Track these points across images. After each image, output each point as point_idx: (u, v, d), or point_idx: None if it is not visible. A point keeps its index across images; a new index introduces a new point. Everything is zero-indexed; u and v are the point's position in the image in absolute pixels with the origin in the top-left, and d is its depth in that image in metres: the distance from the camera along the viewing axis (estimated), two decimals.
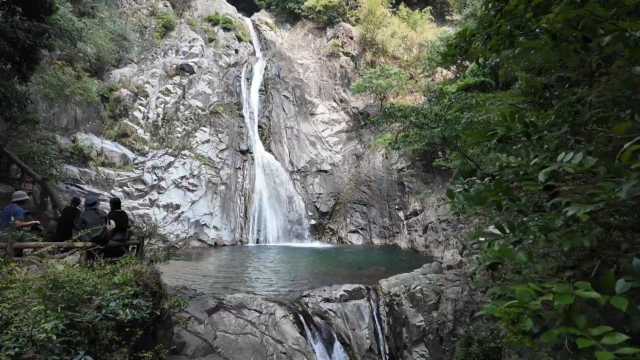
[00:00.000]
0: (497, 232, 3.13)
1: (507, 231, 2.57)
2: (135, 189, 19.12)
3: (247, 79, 26.43)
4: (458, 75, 22.01)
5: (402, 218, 21.06)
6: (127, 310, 4.59)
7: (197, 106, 23.03)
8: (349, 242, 22.09)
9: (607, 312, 1.72)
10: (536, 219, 2.53)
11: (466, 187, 3.35)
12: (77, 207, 9.34)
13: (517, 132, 2.93)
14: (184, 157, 21.09)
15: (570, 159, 2.19)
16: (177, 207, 19.58)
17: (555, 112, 3.13)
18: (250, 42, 30.22)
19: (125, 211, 8.39)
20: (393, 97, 25.28)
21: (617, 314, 1.67)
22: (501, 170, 2.70)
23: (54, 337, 3.58)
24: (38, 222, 8.25)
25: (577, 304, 1.63)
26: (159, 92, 22.89)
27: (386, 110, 12.04)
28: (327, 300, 10.35)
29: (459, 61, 21.08)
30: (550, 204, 2.65)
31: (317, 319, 9.94)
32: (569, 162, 2.19)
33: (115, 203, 8.26)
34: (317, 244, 21.59)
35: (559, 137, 2.91)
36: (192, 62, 24.57)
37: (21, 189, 12.22)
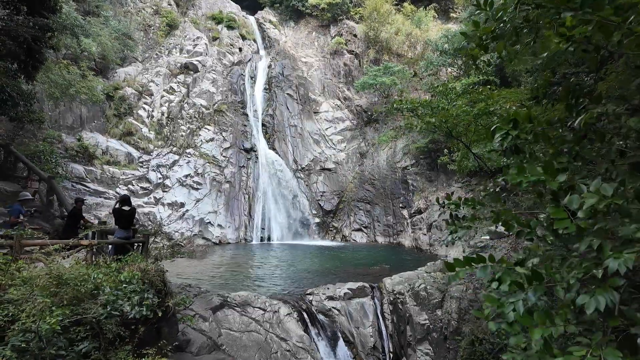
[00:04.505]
0: (501, 229, 2.99)
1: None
2: (140, 187, 19.22)
3: (251, 78, 26.44)
4: (461, 72, 21.87)
5: (406, 216, 21.00)
6: (135, 307, 4.61)
7: (201, 105, 23.09)
8: (353, 240, 22.08)
9: None
10: (572, 265, 2.18)
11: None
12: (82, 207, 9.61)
13: (526, 131, 2.69)
14: (189, 156, 21.17)
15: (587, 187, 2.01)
16: (182, 205, 19.67)
17: (565, 107, 2.96)
18: (254, 40, 30.23)
19: (132, 208, 8.35)
20: (397, 95, 25.18)
21: None
22: (518, 184, 2.42)
23: (58, 328, 3.60)
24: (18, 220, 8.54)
25: None
26: (164, 90, 22.97)
27: (394, 102, 12.12)
28: (331, 298, 10.35)
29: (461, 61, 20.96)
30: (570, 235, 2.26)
31: (321, 317, 9.95)
32: (589, 192, 2.01)
33: (122, 200, 8.22)
34: (320, 242, 21.60)
35: (573, 140, 2.70)
36: (196, 60, 24.62)
37: (27, 187, 12.36)
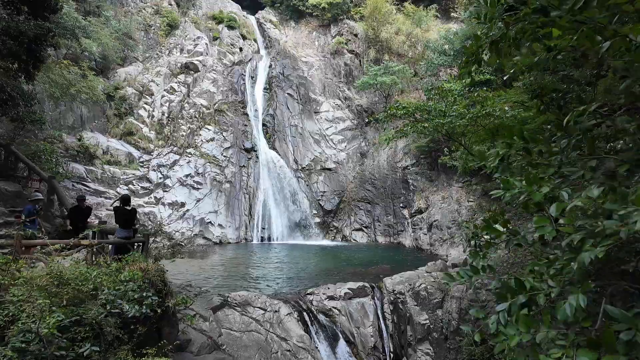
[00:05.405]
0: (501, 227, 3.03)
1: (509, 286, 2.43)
2: (141, 187, 19.23)
3: (252, 77, 26.45)
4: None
5: (407, 216, 20.99)
6: (135, 305, 4.62)
7: (201, 104, 23.09)
8: (353, 240, 22.07)
9: None
10: (548, 265, 2.39)
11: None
12: (87, 205, 9.72)
13: (518, 148, 2.86)
14: (189, 156, 21.17)
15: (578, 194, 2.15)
16: (182, 205, 19.67)
17: (555, 120, 3.07)
18: (255, 40, 30.22)
19: (133, 208, 8.34)
20: (397, 95, 25.15)
21: None
22: (507, 194, 2.58)
23: (56, 332, 3.60)
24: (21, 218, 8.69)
25: None
26: (164, 90, 22.97)
27: (389, 109, 12.01)
28: (331, 298, 10.35)
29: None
30: (551, 237, 2.52)
31: (321, 316, 9.95)
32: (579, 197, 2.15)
33: (123, 199, 8.22)
34: (321, 242, 21.60)
35: (561, 151, 2.85)
36: (197, 60, 24.62)
37: (28, 187, 12.38)
